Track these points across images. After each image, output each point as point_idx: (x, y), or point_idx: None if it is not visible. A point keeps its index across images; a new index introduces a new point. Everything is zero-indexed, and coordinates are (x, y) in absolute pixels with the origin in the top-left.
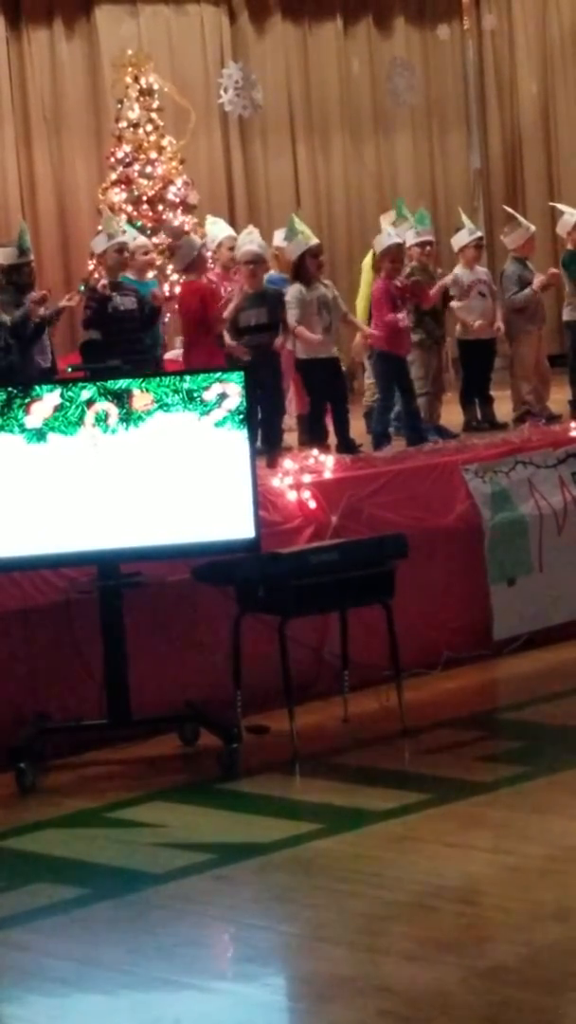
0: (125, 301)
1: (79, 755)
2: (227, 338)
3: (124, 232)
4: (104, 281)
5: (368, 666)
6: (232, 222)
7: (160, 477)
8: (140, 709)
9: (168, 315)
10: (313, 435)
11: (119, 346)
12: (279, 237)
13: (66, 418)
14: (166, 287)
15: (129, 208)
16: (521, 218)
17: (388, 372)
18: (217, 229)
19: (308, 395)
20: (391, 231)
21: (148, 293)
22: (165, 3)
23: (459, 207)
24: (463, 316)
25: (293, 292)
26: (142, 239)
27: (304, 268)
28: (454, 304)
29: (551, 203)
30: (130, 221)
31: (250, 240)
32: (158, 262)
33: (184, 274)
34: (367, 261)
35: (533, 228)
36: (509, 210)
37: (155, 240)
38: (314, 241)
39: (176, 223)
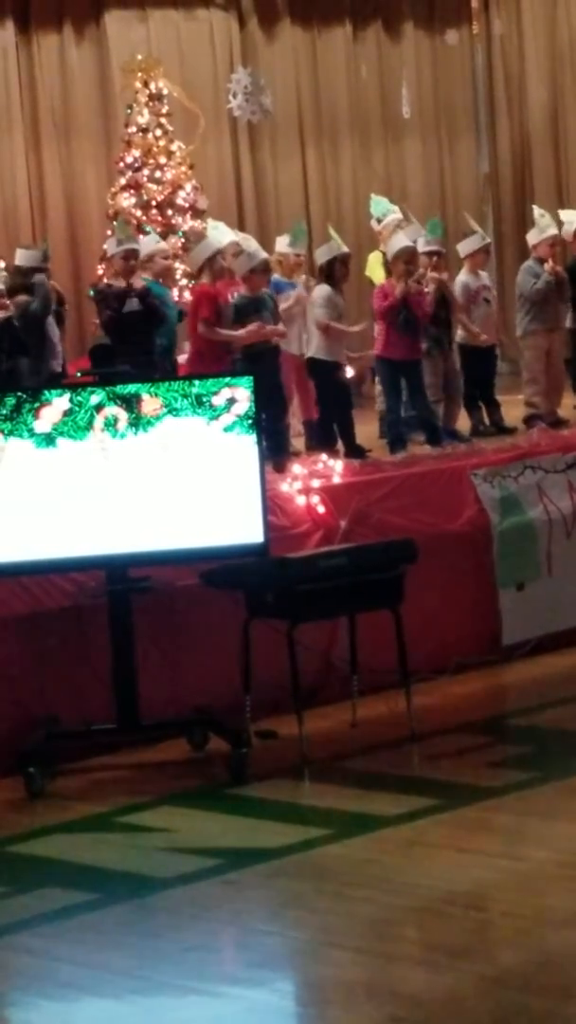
0: (129, 303)
1: (88, 760)
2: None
3: (142, 236)
4: (109, 284)
5: (377, 671)
6: (241, 227)
7: (169, 482)
8: (149, 714)
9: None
10: (323, 439)
11: (124, 348)
12: (280, 243)
13: (75, 423)
14: (175, 292)
15: (138, 213)
16: (541, 219)
17: (388, 377)
18: (219, 234)
19: (320, 398)
20: (403, 234)
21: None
22: (175, 8)
23: (466, 213)
24: (467, 324)
25: (322, 292)
26: (162, 244)
27: (333, 273)
28: (459, 316)
29: (559, 211)
30: (139, 225)
31: (257, 248)
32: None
33: (199, 273)
34: (373, 261)
35: (551, 232)
36: (537, 209)
37: (162, 244)
38: (345, 250)
39: (186, 228)
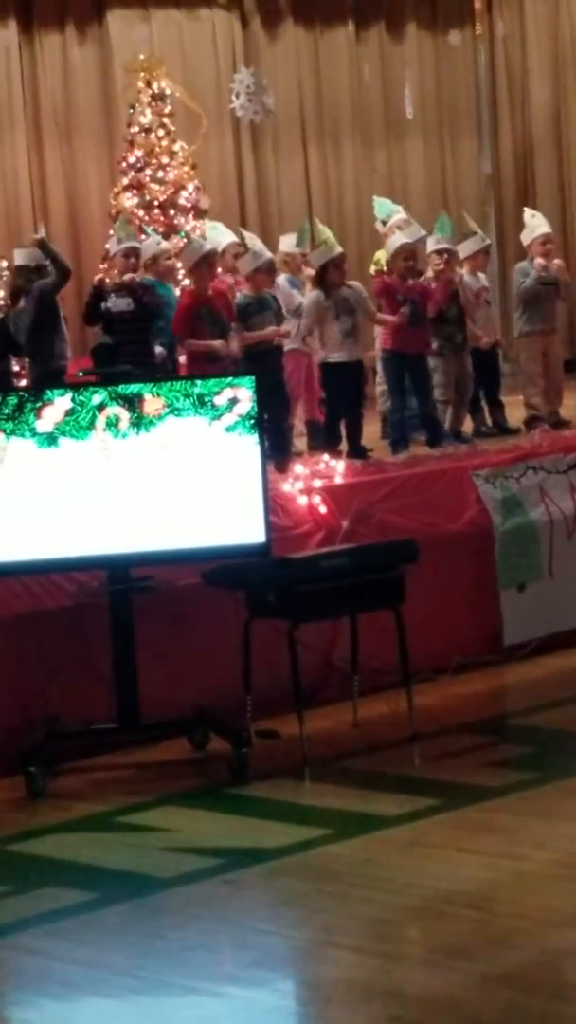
0: (119, 303)
1: (89, 759)
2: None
3: (145, 237)
4: (101, 278)
5: (378, 671)
6: (243, 227)
7: (171, 482)
8: (150, 713)
9: None
10: (327, 439)
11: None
12: (286, 243)
13: (77, 422)
14: (177, 291)
15: (141, 213)
16: (531, 219)
17: (393, 372)
18: (219, 235)
19: (328, 400)
20: (402, 234)
21: (167, 298)
22: (177, 8)
23: (465, 213)
24: (470, 326)
25: (310, 297)
26: (165, 244)
27: (326, 276)
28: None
29: None
30: (140, 226)
31: (262, 248)
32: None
33: (189, 276)
34: (375, 262)
35: (541, 231)
36: (528, 211)
37: (165, 245)
38: (338, 251)
39: (188, 227)
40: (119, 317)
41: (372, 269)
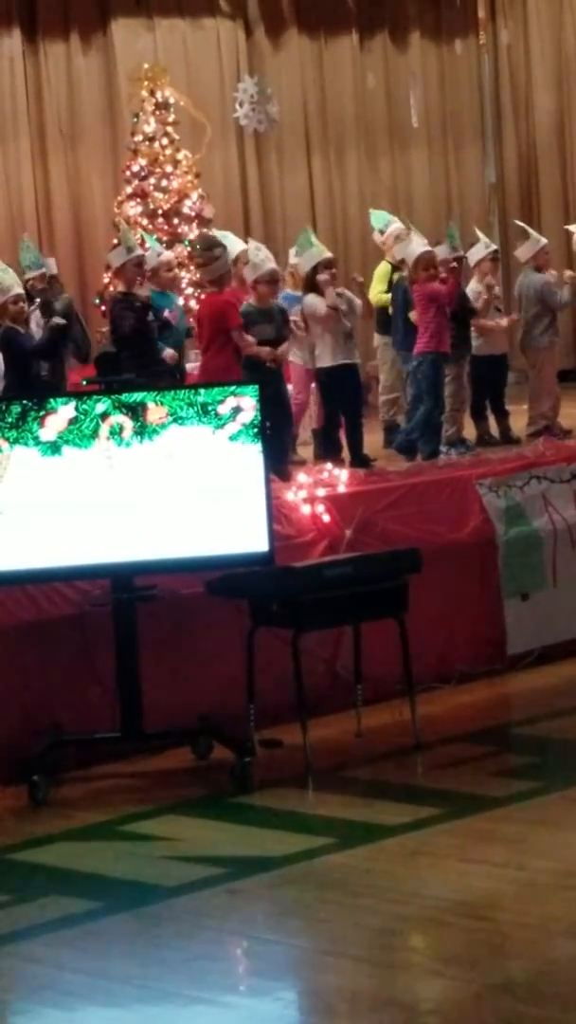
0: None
1: (92, 768)
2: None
3: (148, 247)
4: (147, 292)
5: (381, 680)
6: (247, 236)
7: (174, 490)
8: (153, 722)
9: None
10: (326, 448)
11: (145, 357)
12: (294, 254)
13: (80, 431)
14: (181, 300)
15: (144, 221)
16: (532, 231)
17: (439, 371)
18: (229, 243)
19: (326, 406)
20: (416, 241)
21: (171, 307)
22: (181, 17)
23: (473, 224)
24: (483, 323)
25: (312, 301)
26: (167, 255)
27: (317, 280)
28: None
29: (565, 227)
30: (143, 235)
31: (267, 257)
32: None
33: (210, 286)
34: (379, 272)
35: (544, 241)
36: (521, 224)
37: (170, 253)
38: (327, 255)
39: (192, 236)
40: (151, 328)
41: (384, 281)
